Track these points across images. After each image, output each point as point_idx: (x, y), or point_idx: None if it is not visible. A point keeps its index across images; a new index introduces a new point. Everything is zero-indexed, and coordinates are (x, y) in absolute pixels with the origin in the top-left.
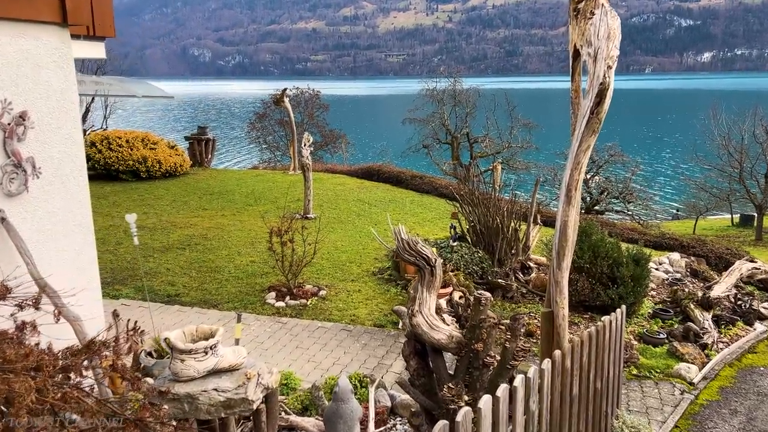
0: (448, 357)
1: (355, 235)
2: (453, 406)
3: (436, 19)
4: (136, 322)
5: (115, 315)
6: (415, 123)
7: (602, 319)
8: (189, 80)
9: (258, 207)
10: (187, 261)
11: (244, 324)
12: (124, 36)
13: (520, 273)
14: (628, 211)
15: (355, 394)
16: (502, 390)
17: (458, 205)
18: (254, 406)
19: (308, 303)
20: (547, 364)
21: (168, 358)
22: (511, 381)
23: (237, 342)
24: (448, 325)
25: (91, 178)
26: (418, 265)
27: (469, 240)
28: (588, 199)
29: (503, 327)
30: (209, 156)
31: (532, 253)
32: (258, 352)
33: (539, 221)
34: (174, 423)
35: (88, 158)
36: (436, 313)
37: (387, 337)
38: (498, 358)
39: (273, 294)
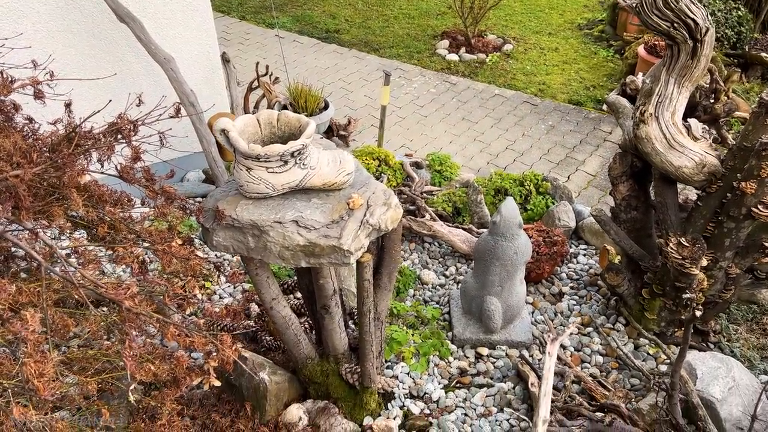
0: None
1: None
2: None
3: None
4: (267, 67)
5: (225, 60)
6: None
7: None
8: None
9: None
10: None
11: (404, 79)
12: None
13: None
14: None
15: (528, 203)
16: None
17: None
18: (351, 260)
19: (487, 59)
20: None
21: (304, 114)
22: None
23: (383, 110)
24: (697, 140)
25: None
26: (671, 37)
27: None
28: None
29: None
30: None
31: None
32: (414, 119)
33: None
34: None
35: None
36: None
37: (584, 121)
38: None
39: (446, 43)
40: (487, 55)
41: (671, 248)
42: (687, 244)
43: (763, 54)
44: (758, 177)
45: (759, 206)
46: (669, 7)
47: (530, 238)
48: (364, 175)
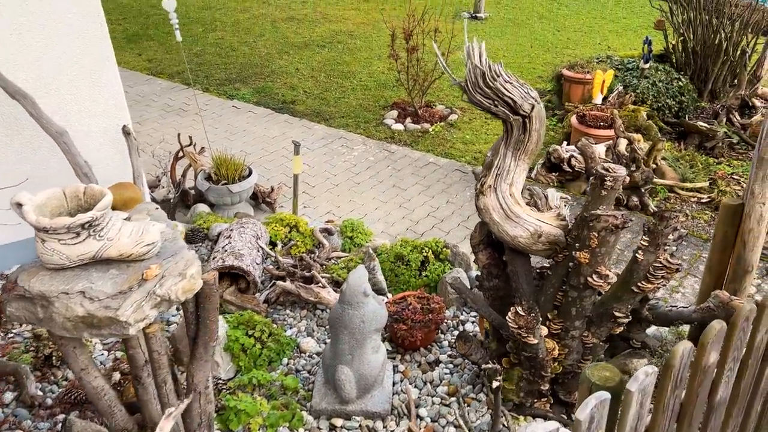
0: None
1: (527, 43)
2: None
3: None
4: (191, 137)
5: (126, 132)
6: None
7: None
8: None
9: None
10: (321, 62)
11: (346, 147)
12: None
13: (736, 113)
14: None
15: (425, 269)
16: None
17: (666, 9)
18: (131, 331)
19: (431, 129)
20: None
21: (223, 184)
22: (639, 309)
23: (296, 178)
24: (546, 210)
25: None
26: (495, 114)
27: (674, 60)
28: None
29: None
30: None
31: (762, 85)
32: (347, 186)
33: None
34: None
35: None
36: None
37: None
38: (610, 275)
39: (394, 113)
40: (432, 125)
41: (509, 318)
42: (523, 314)
43: (699, 123)
44: (590, 247)
45: (594, 276)
46: (485, 86)
47: (408, 305)
48: (179, 245)
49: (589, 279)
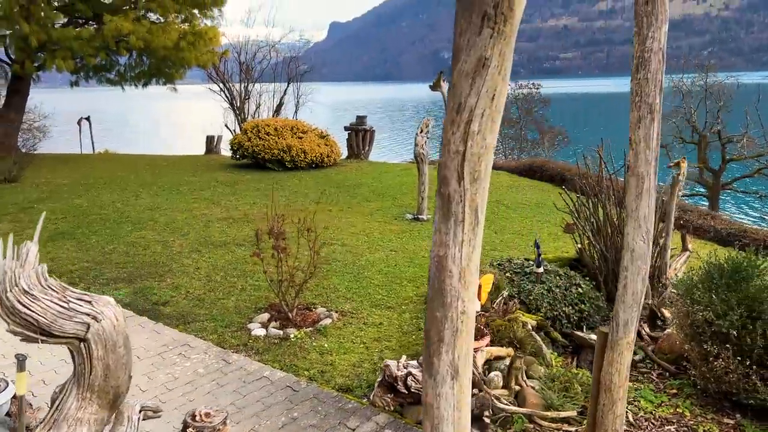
0: None
1: None
2: None
3: (709, 7)
4: None
5: None
6: None
7: None
8: None
9: (375, 203)
10: (229, 261)
11: (182, 357)
12: (383, 42)
13: (645, 325)
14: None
15: None
16: None
17: (577, 214)
18: None
19: (292, 336)
20: None
21: None
22: None
23: (21, 402)
24: None
25: (241, 166)
26: (15, 333)
27: (588, 264)
28: None
29: None
30: (366, 148)
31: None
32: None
33: (689, 246)
34: None
35: (239, 146)
36: None
37: (336, 412)
38: None
39: (265, 316)
40: (298, 330)
41: None
42: None
43: (591, 336)
44: None
45: None
46: (7, 307)
47: None
48: None
49: None
